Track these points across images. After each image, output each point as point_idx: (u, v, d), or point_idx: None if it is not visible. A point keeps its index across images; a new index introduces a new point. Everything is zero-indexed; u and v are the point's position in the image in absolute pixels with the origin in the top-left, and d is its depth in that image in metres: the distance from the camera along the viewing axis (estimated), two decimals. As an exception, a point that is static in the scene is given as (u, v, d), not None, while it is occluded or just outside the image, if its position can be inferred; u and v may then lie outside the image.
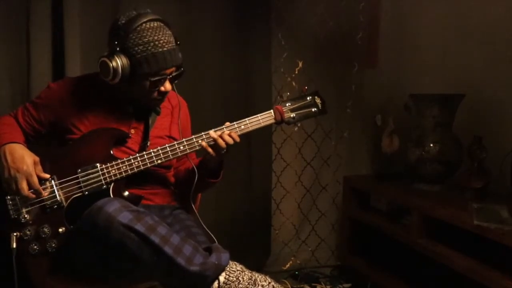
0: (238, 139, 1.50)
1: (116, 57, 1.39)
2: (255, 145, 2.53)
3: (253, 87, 2.50)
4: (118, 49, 1.40)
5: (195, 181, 1.58)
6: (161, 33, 1.42)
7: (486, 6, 2.14)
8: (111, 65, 1.39)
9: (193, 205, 1.64)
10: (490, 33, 2.12)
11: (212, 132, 1.49)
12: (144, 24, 1.40)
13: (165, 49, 1.42)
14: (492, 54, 2.12)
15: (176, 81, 1.53)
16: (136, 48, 1.39)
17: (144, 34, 1.40)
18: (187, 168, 1.69)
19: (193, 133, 1.53)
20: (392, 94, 2.62)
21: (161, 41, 1.41)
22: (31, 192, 1.40)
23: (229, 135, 1.49)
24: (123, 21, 1.42)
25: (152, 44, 1.40)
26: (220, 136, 1.48)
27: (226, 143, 1.48)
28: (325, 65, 2.67)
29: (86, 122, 1.52)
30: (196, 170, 1.58)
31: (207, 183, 1.63)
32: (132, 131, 1.56)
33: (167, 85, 1.49)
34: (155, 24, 1.42)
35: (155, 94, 1.49)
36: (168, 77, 1.47)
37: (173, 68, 1.47)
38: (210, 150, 1.49)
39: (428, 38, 2.48)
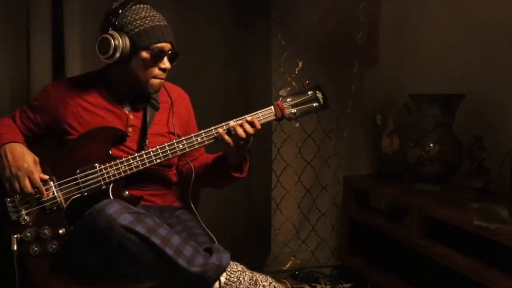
0: (259, 126, 1.48)
1: (116, 34, 1.43)
2: (255, 145, 2.52)
3: (253, 87, 2.50)
4: (116, 27, 1.44)
5: (192, 180, 1.58)
6: (154, 11, 1.50)
7: (486, 6, 2.14)
8: (112, 41, 1.42)
9: (192, 205, 1.63)
10: (490, 33, 2.12)
11: (231, 122, 1.48)
12: (137, 4, 1.48)
13: (161, 23, 1.48)
14: (492, 54, 2.12)
15: (174, 63, 1.54)
16: (134, 23, 1.44)
17: (140, 11, 1.47)
18: (205, 164, 1.68)
19: (199, 128, 1.52)
20: (392, 94, 2.62)
21: (157, 17, 1.48)
22: (34, 190, 1.40)
23: (249, 122, 1.47)
24: (116, 5, 1.48)
25: (149, 18, 1.46)
26: (240, 125, 1.46)
27: (246, 132, 1.46)
28: (325, 65, 2.67)
29: (82, 122, 1.52)
30: (193, 168, 1.59)
31: (230, 177, 1.59)
32: (130, 129, 1.55)
33: (167, 62, 1.50)
34: (147, 5, 1.50)
35: (156, 71, 1.50)
36: (167, 53, 1.50)
37: (170, 45, 1.50)
38: (227, 137, 1.47)
39: (428, 38, 2.47)
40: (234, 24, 2.42)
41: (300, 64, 2.64)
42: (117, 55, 1.43)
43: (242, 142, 1.48)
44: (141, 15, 1.45)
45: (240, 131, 1.46)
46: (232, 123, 1.48)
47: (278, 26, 2.56)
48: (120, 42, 1.43)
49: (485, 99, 2.13)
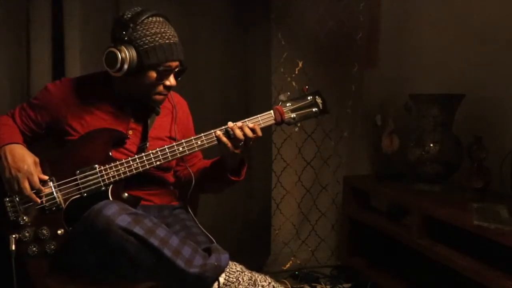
0: (260, 133, 1.48)
1: (124, 47, 1.40)
2: (255, 145, 2.52)
3: (253, 87, 2.50)
4: (125, 40, 1.41)
5: (191, 187, 1.58)
6: (167, 27, 1.45)
7: (486, 6, 2.14)
8: (119, 55, 1.39)
9: (188, 206, 1.64)
10: (490, 33, 2.12)
11: (230, 123, 1.48)
12: (150, 18, 1.43)
13: (171, 41, 1.44)
14: (492, 54, 2.12)
15: (179, 78, 1.53)
16: (144, 39, 1.40)
17: (151, 26, 1.42)
18: (202, 168, 1.69)
19: (197, 134, 1.52)
20: (392, 94, 2.62)
21: (168, 34, 1.44)
22: (33, 192, 1.40)
23: (250, 128, 1.47)
24: (129, 15, 1.43)
25: (159, 35, 1.42)
26: (240, 127, 1.46)
27: (245, 135, 1.46)
28: (325, 65, 2.67)
29: (83, 123, 1.51)
30: (192, 174, 1.59)
31: (227, 181, 1.59)
32: (130, 132, 1.55)
33: (172, 79, 1.49)
34: (161, 19, 1.45)
35: (160, 88, 1.49)
36: (174, 70, 1.48)
37: (178, 63, 1.48)
38: (225, 139, 1.47)
39: (428, 38, 2.47)
40: (234, 24, 2.42)
41: (300, 64, 2.64)
42: (123, 71, 1.41)
43: (240, 145, 1.48)
44: (152, 30, 1.41)
45: (238, 132, 1.46)
46: (230, 124, 1.48)
47: (278, 26, 2.56)
48: (127, 57, 1.39)
49: (485, 99, 2.13)
